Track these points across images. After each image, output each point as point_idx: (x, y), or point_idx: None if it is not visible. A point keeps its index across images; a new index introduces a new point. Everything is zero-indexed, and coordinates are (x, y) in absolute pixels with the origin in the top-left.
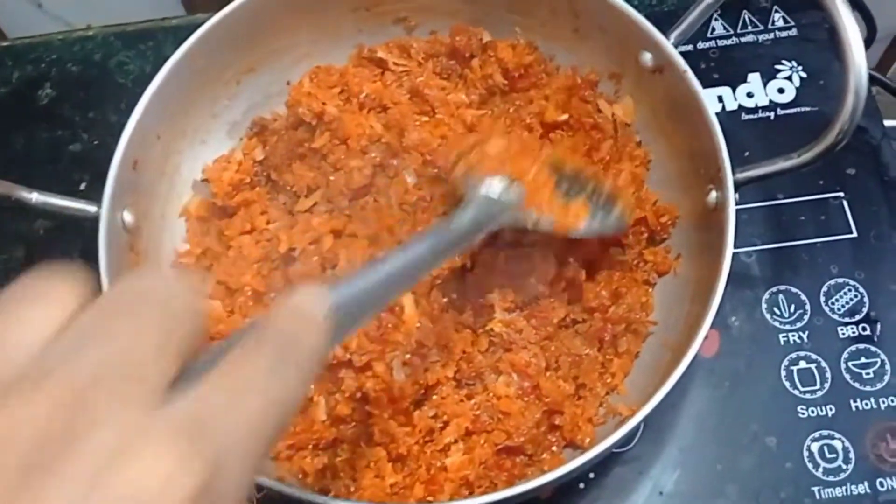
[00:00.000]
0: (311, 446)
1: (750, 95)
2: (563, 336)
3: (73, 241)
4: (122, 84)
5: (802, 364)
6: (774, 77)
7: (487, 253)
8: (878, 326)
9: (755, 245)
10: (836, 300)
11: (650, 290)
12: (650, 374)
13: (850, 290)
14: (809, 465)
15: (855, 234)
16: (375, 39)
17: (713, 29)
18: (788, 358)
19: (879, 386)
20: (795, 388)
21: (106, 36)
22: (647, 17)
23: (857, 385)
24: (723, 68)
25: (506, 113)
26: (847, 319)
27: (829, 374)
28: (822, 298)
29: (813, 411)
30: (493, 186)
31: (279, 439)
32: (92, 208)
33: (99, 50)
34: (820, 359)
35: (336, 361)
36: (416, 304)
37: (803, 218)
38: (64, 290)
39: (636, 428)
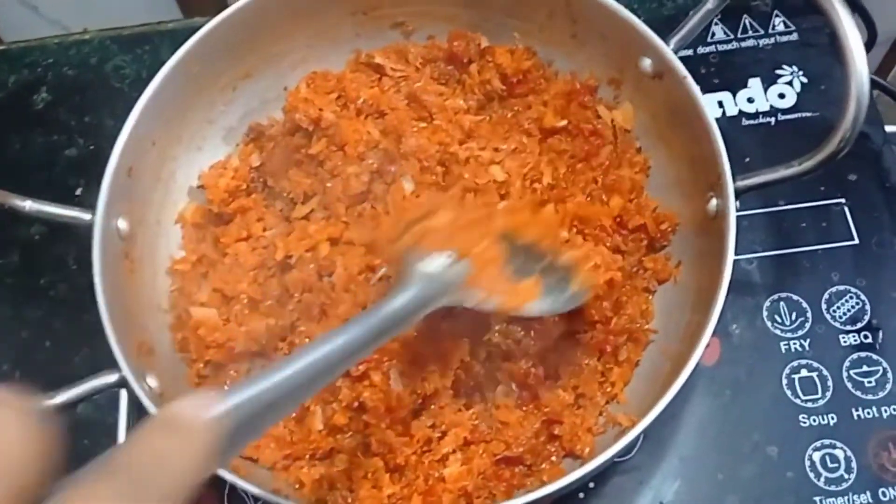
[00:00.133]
0: (307, 456)
1: (750, 101)
2: (563, 346)
3: (69, 247)
4: (118, 88)
5: (804, 372)
6: (775, 82)
7: None
8: (880, 334)
9: (756, 252)
10: (838, 308)
11: (650, 297)
12: (650, 382)
13: (851, 298)
14: (811, 475)
15: (856, 241)
16: (373, 44)
17: (713, 34)
18: (790, 366)
19: (881, 394)
20: (797, 396)
21: (102, 40)
22: (646, 21)
23: (858, 394)
24: (723, 73)
25: (504, 118)
26: (849, 327)
27: (830, 383)
28: (824, 306)
29: (814, 420)
30: (435, 263)
31: None
32: (86, 216)
33: (95, 54)
34: (821, 367)
35: None
36: None
37: (804, 224)
38: None
39: (636, 437)
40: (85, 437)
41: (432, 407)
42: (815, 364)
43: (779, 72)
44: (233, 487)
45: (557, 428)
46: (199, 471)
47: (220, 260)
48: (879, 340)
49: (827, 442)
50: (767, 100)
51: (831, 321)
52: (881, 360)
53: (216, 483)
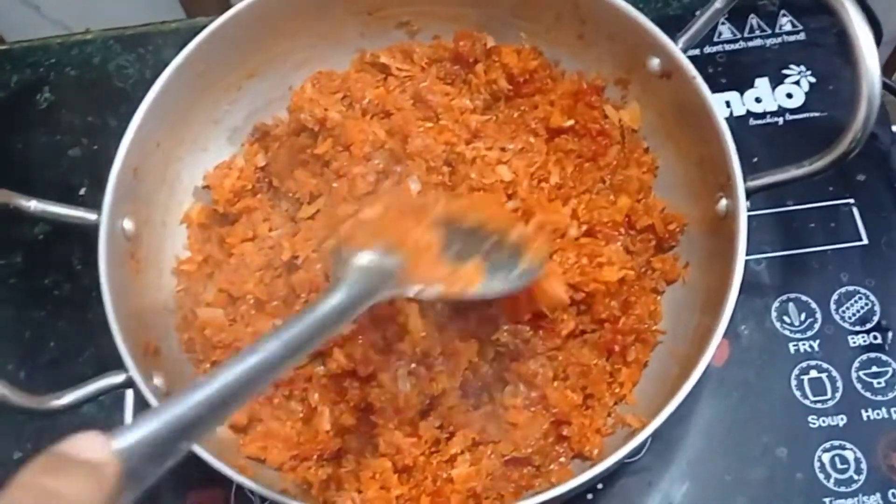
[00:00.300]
0: (315, 457)
1: (758, 100)
2: (571, 346)
3: (73, 247)
4: (121, 88)
5: (813, 373)
6: (782, 82)
7: None
8: (890, 335)
9: (765, 252)
10: (847, 308)
11: (658, 298)
12: (658, 383)
13: (860, 299)
14: (821, 476)
15: (865, 242)
16: (378, 44)
17: (720, 33)
18: (799, 367)
19: (891, 395)
20: (806, 397)
21: (105, 40)
22: (652, 21)
23: (868, 394)
24: (730, 73)
25: (511, 118)
26: (858, 328)
27: (839, 384)
28: (833, 307)
29: (824, 421)
30: (365, 258)
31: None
32: (92, 216)
33: (98, 54)
34: (831, 368)
35: (340, 372)
36: (422, 313)
37: (813, 225)
38: None
39: (645, 438)
40: None
41: (440, 407)
42: (825, 365)
43: (786, 71)
44: (239, 487)
45: (566, 429)
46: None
47: (226, 260)
48: (889, 341)
49: (836, 443)
50: (775, 100)
51: (840, 322)
52: (890, 360)
53: (222, 483)
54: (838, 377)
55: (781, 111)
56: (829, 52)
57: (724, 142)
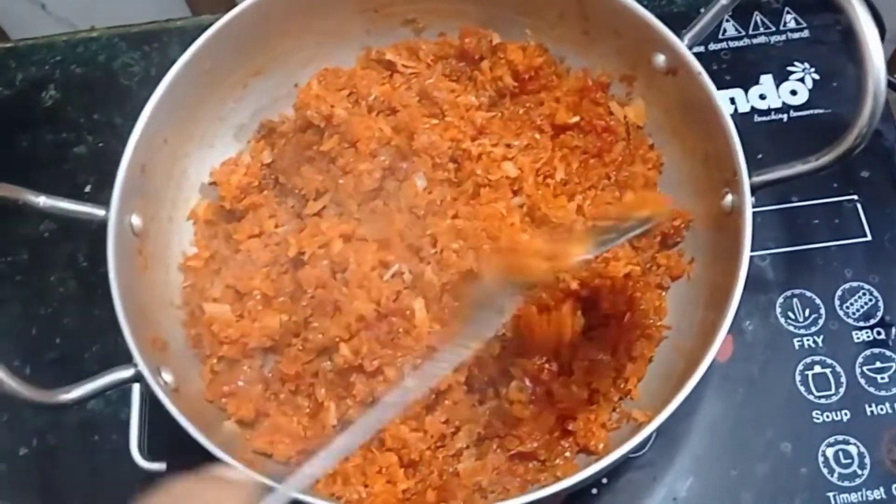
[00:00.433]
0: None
1: (762, 97)
2: (576, 342)
3: (78, 244)
4: (126, 86)
5: (817, 369)
6: (787, 79)
7: None
8: (893, 331)
9: (769, 248)
10: (851, 304)
11: (663, 294)
12: (663, 378)
13: (864, 294)
14: (825, 471)
15: (869, 238)
16: (383, 41)
17: (724, 30)
18: (803, 363)
19: (895, 390)
20: (810, 392)
21: (110, 37)
22: (658, 18)
23: (872, 390)
24: (735, 70)
25: (516, 115)
26: (862, 324)
27: (843, 379)
28: (837, 302)
29: (828, 416)
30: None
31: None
32: (100, 212)
33: (103, 51)
34: (835, 363)
35: (347, 367)
36: (428, 308)
37: (817, 221)
38: None
39: (649, 433)
40: (95, 433)
41: (446, 402)
42: (829, 360)
43: (790, 68)
44: None
45: (571, 424)
46: None
47: (233, 256)
48: (892, 337)
49: (840, 438)
50: (779, 96)
51: (844, 318)
52: (894, 356)
53: None
54: (842, 372)
55: (786, 108)
56: (832, 50)
57: (729, 138)
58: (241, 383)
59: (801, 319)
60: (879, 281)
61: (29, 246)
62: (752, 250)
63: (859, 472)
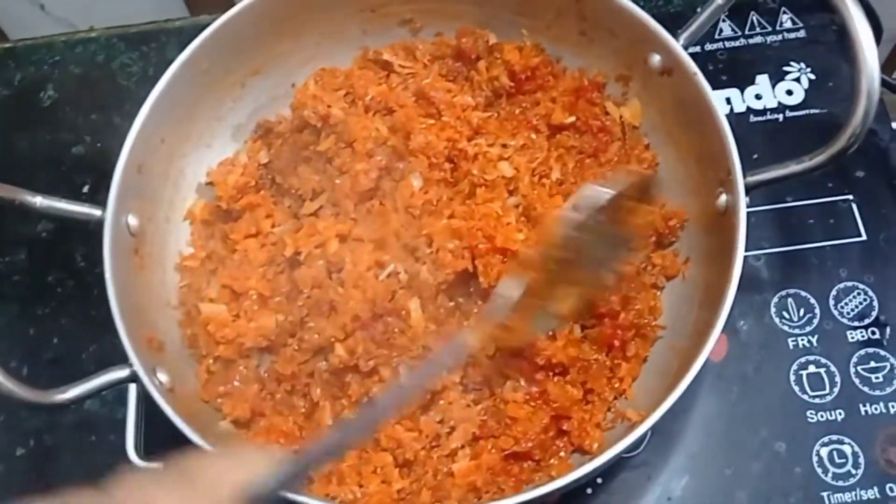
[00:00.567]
0: None
1: (758, 97)
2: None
3: (76, 245)
4: (124, 86)
5: (812, 368)
6: (783, 79)
7: None
8: (888, 330)
9: (764, 248)
10: (846, 304)
11: (658, 293)
12: (658, 378)
13: (859, 294)
14: (819, 471)
15: (864, 238)
16: (380, 41)
17: (721, 30)
18: (797, 362)
19: (889, 390)
20: (804, 392)
21: (108, 37)
22: (654, 18)
23: (866, 389)
24: (731, 70)
25: (512, 115)
26: (856, 323)
27: (838, 379)
28: (832, 302)
29: (822, 416)
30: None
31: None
32: (97, 212)
33: (101, 52)
34: (829, 363)
35: (342, 366)
36: (423, 308)
37: (812, 221)
38: None
39: (644, 433)
40: (92, 434)
41: (441, 402)
42: (823, 360)
43: (786, 68)
44: None
45: (566, 423)
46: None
47: (230, 256)
48: (887, 336)
49: (834, 437)
50: (775, 96)
51: (839, 317)
52: (889, 356)
53: None
54: (837, 372)
55: (782, 108)
56: (828, 50)
57: (724, 138)
58: (236, 383)
59: (795, 319)
60: (874, 281)
61: (27, 246)
62: (746, 250)
63: (853, 471)
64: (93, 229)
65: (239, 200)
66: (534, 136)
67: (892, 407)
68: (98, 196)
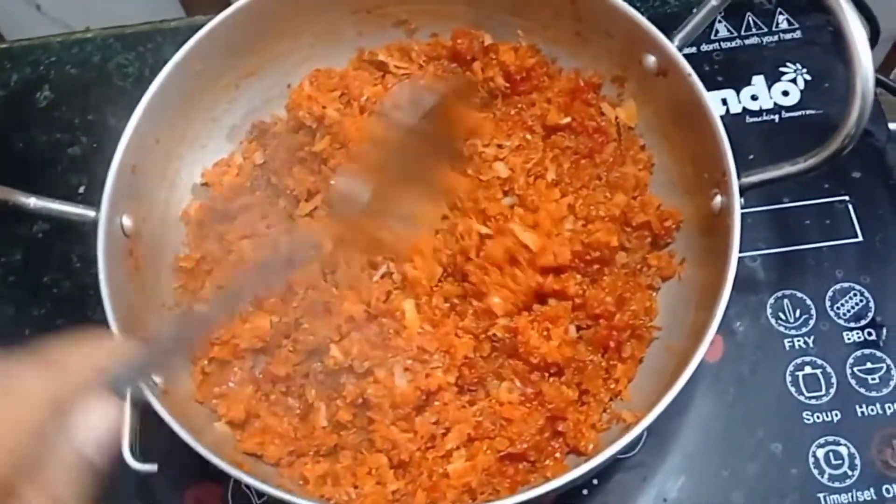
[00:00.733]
0: (311, 452)
1: (754, 98)
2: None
3: (72, 245)
4: (120, 87)
5: (808, 369)
6: (779, 80)
7: None
8: (884, 331)
9: (760, 249)
10: (842, 305)
11: (654, 294)
12: (654, 379)
13: (855, 295)
14: (815, 472)
15: (860, 239)
16: (376, 42)
17: (717, 31)
18: (794, 363)
19: (885, 391)
20: (801, 393)
21: (105, 38)
22: (650, 19)
23: (862, 390)
24: (727, 71)
25: (508, 116)
26: (853, 324)
27: (834, 380)
28: (828, 303)
29: (818, 417)
30: None
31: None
32: (91, 213)
33: (98, 52)
34: (825, 364)
35: (337, 368)
36: (418, 309)
37: (808, 222)
38: None
39: (640, 434)
40: None
41: (436, 403)
42: (819, 361)
43: (782, 69)
44: (237, 483)
45: (561, 424)
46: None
47: (225, 257)
48: (883, 337)
49: (831, 439)
50: (771, 97)
51: (835, 318)
52: (885, 357)
53: (220, 479)
54: (833, 373)
55: (777, 109)
56: (824, 51)
57: (718, 139)
58: (231, 384)
59: (791, 320)
60: (870, 282)
61: (22, 246)
62: (743, 251)
63: (850, 472)
64: (88, 230)
65: (234, 201)
66: (529, 136)
67: (889, 408)
68: (94, 196)
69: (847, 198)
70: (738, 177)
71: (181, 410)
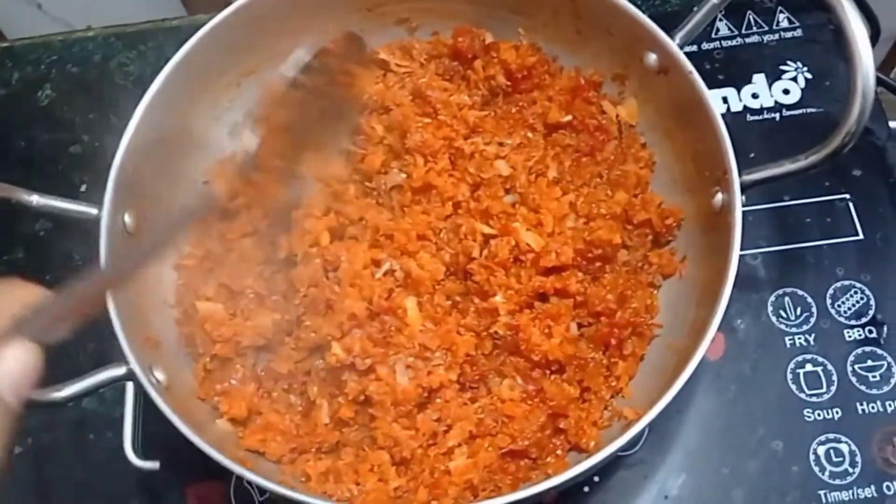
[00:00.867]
0: (313, 450)
1: (755, 96)
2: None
3: (74, 243)
4: (122, 85)
5: (809, 367)
6: (779, 78)
7: None
8: (885, 329)
9: (761, 247)
10: (843, 303)
11: (655, 292)
12: (655, 377)
13: (856, 293)
14: (816, 469)
15: (861, 236)
16: (377, 41)
17: (717, 29)
18: (794, 361)
19: (886, 389)
20: (802, 391)
21: (106, 37)
22: (651, 17)
23: (863, 388)
24: (727, 69)
25: (509, 114)
26: (853, 322)
27: (835, 377)
28: (829, 301)
29: (819, 414)
30: None
31: None
32: (93, 210)
33: (99, 51)
34: (826, 362)
35: (339, 365)
36: (420, 306)
37: (809, 220)
38: None
39: (641, 431)
40: (90, 432)
41: (438, 400)
42: (820, 359)
43: (783, 68)
44: (238, 480)
45: (563, 421)
46: None
47: (226, 255)
48: (884, 335)
49: (832, 436)
50: (772, 96)
51: (836, 316)
52: (886, 354)
53: (222, 476)
54: (834, 371)
55: (778, 107)
56: (825, 49)
57: (719, 137)
58: (233, 381)
59: (792, 318)
60: (871, 279)
61: (24, 245)
62: (743, 249)
63: (850, 470)
64: (90, 228)
65: (235, 199)
66: (530, 134)
67: (889, 405)
68: (96, 195)
69: (847, 196)
70: (739, 174)
71: (183, 407)
